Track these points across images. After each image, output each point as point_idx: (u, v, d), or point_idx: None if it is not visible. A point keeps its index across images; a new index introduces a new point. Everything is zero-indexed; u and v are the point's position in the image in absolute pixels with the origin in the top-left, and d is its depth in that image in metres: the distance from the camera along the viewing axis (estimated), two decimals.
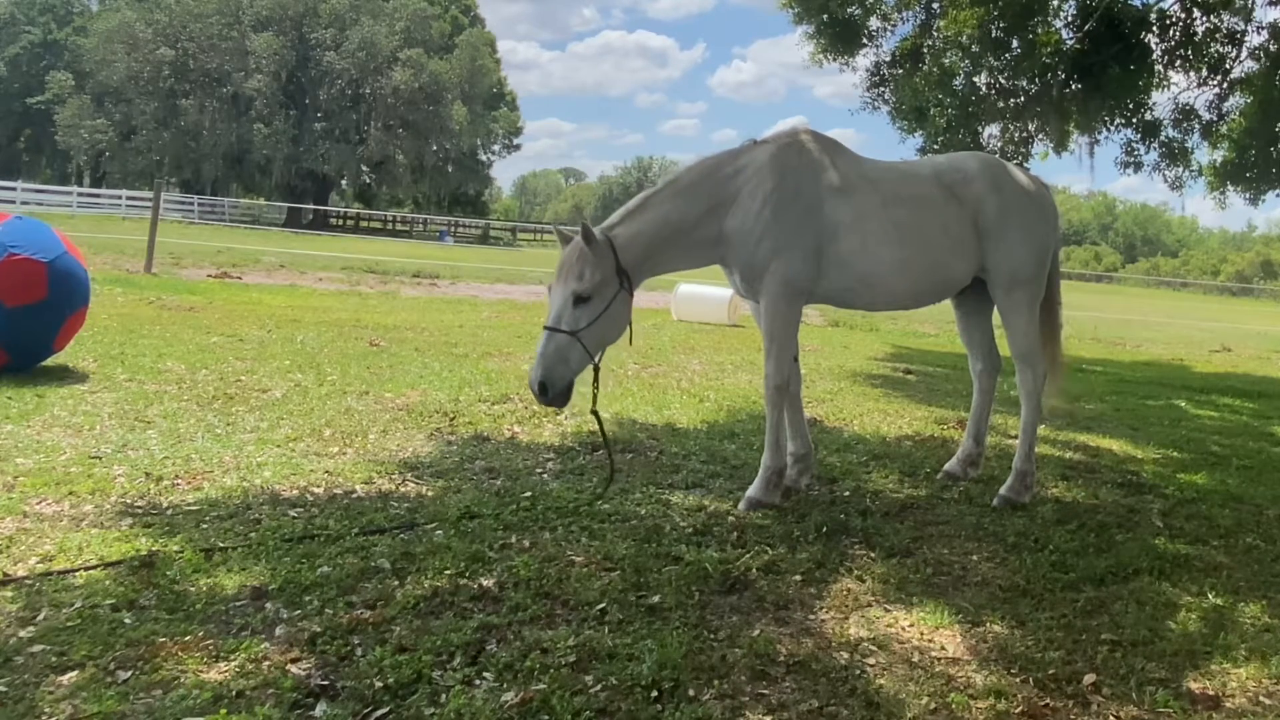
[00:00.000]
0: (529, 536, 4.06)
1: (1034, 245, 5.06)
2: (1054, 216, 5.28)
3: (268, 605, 3.24)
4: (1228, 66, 12.55)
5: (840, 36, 12.52)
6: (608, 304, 4.29)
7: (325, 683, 2.75)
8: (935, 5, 12.59)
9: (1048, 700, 2.94)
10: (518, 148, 66.52)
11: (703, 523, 4.40)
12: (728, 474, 5.31)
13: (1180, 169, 12.99)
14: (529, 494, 4.66)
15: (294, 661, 2.87)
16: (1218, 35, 12.52)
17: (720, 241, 4.65)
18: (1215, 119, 12.79)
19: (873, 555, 4.14)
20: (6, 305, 6.19)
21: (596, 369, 4.39)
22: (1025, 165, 12.65)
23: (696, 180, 4.64)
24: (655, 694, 2.79)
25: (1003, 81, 12.43)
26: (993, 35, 11.82)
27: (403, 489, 4.70)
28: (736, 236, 4.60)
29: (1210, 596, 3.89)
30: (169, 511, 4.12)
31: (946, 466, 5.58)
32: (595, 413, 4.58)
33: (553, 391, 4.22)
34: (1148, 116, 12.72)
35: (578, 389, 4.39)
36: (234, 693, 2.66)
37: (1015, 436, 5.52)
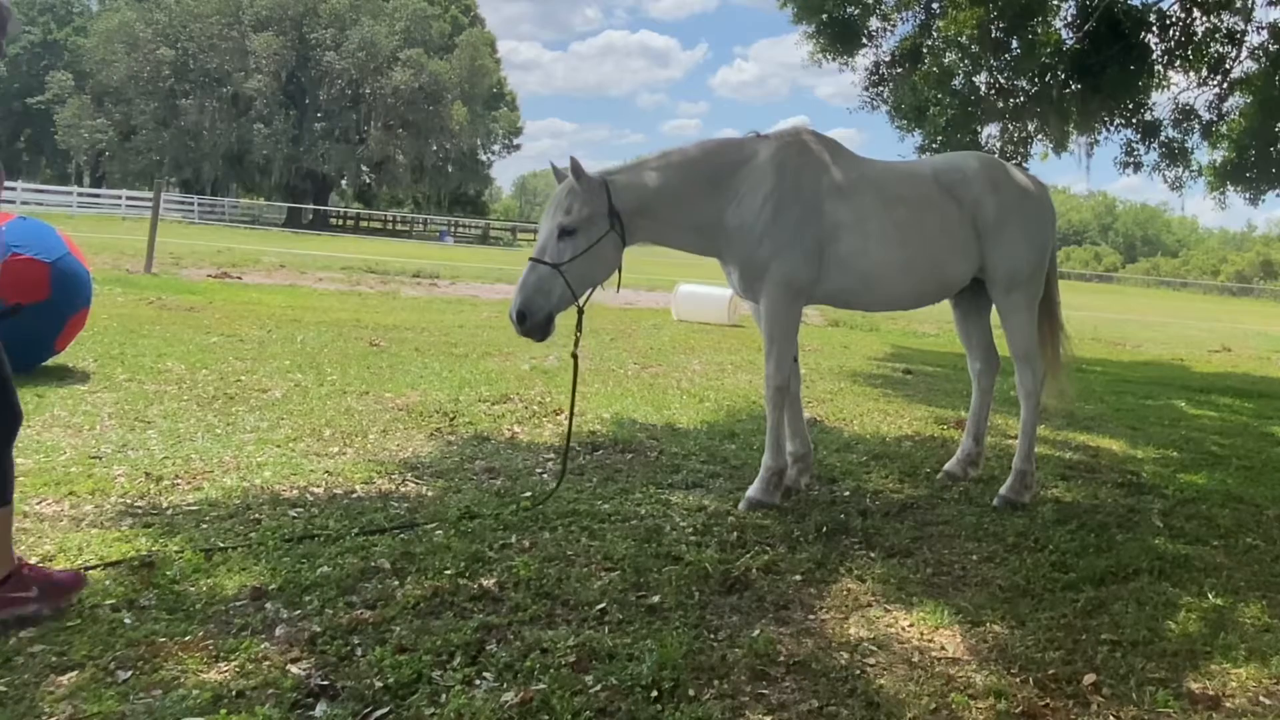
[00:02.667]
0: (529, 536, 4.06)
1: (1033, 245, 5.06)
2: (1052, 217, 5.29)
3: (268, 605, 3.24)
4: (1228, 66, 12.55)
5: (839, 36, 12.52)
6: (594, 241, 4.27)
7: (325, 683, 2.75)
8: (935, 5, 12.59)
9: (1048, 700, 2.94)
10: (518, 148, 66.60)
11: (703, 523, 4.40)
12: (728, 474, 5.31)
13: (1180, 169, 12.99)
14: (529, 494, 4.66)
15: (294, 661, 2.87)
16: (1218, 35, 12.52)
17: (719, 234, 4.64)
18: (1215, 119, 12.79)
19: (873, 555, 4.14)
20: (9, 304, 6.19)
21: (580, 311, 4.37)
22: (1024, 165, 12.65)
23: (699, 158, 4.64)
24: (655, 694, 2.79)
25: (1002, 81, 12.43)
26: (992, 35, 11.82)
27: (403, 489, 4.70)
28: (737, 233, 4.61)
29: (1210, 596, 3.89)
30: (169, 511, 4.12)
31: (946, 466, 5.58)
32: (575, 356, 4.52)
33: (530, 321, 4.20)
34: (1148, 116, 12.73)
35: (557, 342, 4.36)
36: (234, 693, 2.66)
37: (1015, 436, 5.52)
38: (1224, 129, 12.74)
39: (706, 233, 4.66)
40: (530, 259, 4.28)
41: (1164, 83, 12.69)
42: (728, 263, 4.78)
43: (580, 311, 4.38)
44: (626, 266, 4.55)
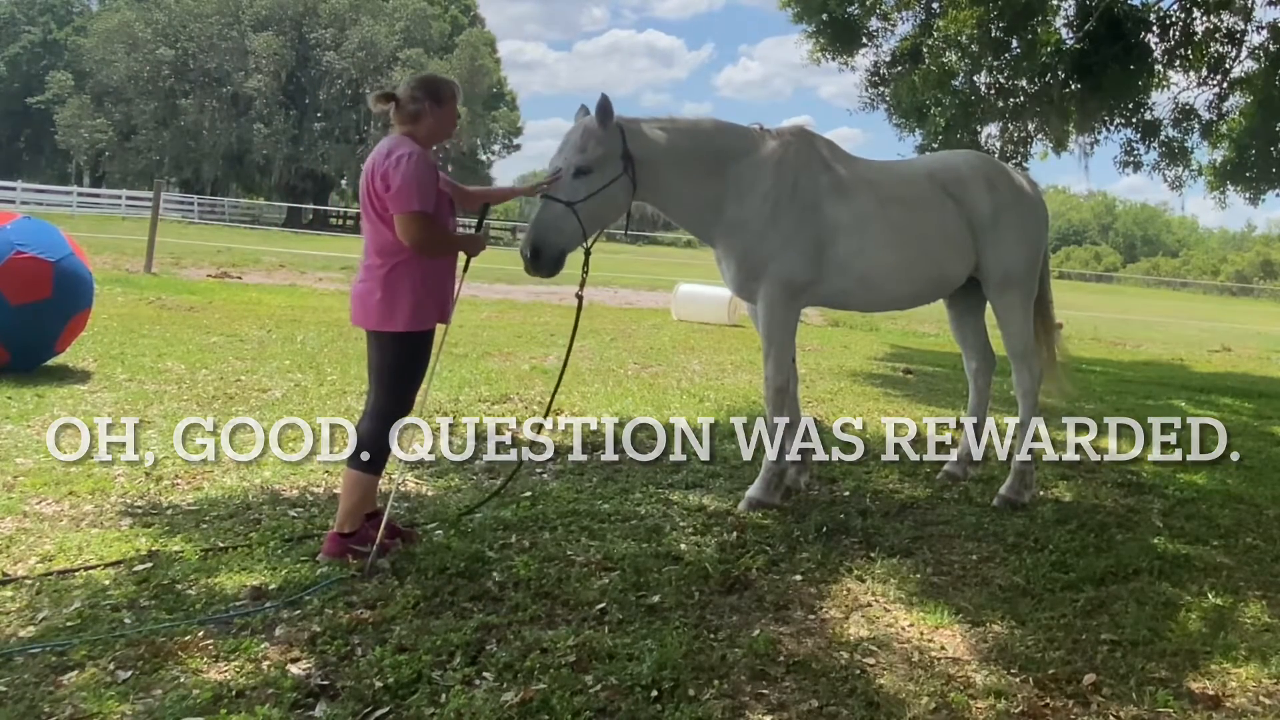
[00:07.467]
0: (529, 536, 4.06)
1: (1027, 244, 5.08)
2: (1045, 216, 5.32)
3: (268, 605, 3.24)
4: (1228, 66, 12.54)
5: (839, 36, 12.51)
6: (608, 182, 4.25)
7: (325, 683, 2.75)
8: (935, 5, 12.58)
9: (1048, 700, 2.94)
10: (518, 148, 66.51)
11: (703, 523, 4.40)
12: (728, 474, 5.31)
13: (1180, 169, 12.96)
14: (529, 494, 4.66)
15: (294, 661, 2.88)
16: (1218, 35, 12.50)
17: (716, 223, 4.64)
18: (1215, 119, 12.77)
19: (873, 555, 4.14)
20: (11, 303, 6.20)
21: (587, 253, 4.35)
22: (1024, 165, 12.66)
23: (704, 132, 4.65)
24: (655, 694, 2.79)
25: (1002, 81, 12.42)
26: (992, 35, 11.81)
27: (403, 489, 4.70)
28: (736, 228, 4.61)
29: (1210, 596, 3.89)
30: (169, 511, 4.12)
31: (946, 466, 5.58)
32: (579, 295, 4.44)
33: (543, 258, 4.17)
34: (1147, 116, 12.71)
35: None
36: (234, 693, 2.67)
37: (1014, 436, 5.51)
38: (1224, 129, 12.72)
39: (701, 214, 4.66)
40: (543, 195, 4.24)
41: (1164, 83, 12.68)
42: (723, 258, 4.77)
43: (587, 253, 4.35)
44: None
